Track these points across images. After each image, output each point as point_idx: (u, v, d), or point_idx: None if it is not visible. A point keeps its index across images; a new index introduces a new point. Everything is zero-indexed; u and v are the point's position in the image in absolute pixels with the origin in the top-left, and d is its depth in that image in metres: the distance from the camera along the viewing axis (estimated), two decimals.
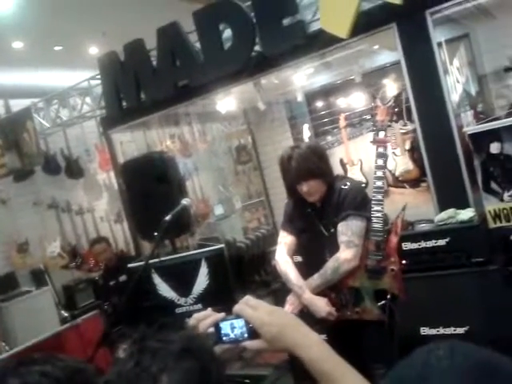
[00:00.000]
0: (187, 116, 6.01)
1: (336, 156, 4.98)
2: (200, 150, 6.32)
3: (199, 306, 3.43)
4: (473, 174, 2.71)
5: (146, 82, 4.02)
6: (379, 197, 2.31)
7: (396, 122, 4.50)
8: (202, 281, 3.43)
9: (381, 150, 2.35)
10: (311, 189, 2.30)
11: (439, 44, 2.97)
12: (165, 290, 3.48)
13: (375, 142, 2.39)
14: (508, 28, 4.17)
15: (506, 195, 2.56)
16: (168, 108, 4.33)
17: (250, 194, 6.76)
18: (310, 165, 2.27)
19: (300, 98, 5.28)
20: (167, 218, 2.30)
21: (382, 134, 2.35)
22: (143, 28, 3.87)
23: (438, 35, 3.25)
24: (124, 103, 4.28)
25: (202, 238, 5.18)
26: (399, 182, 4.56)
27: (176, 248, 3.77)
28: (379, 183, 2.32)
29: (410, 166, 4.42)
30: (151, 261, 3.44)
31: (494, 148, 2.51)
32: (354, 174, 4.61)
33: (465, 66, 3.71)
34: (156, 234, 2.59)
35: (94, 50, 5.77)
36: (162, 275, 3.50)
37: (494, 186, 2.59)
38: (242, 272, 5.18)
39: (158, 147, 5.77)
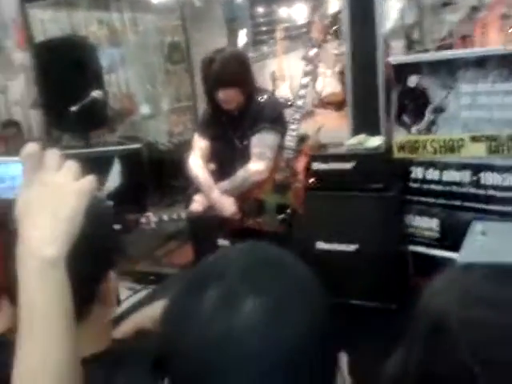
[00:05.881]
0: (118, 1, 5.54)
1: (268, 68, 4.89)
2: (130, 41, 5.91)
3: (110, 203, 3.40)
4: (389, 102, 2.78)
5: None
6: (297, 116, 2.32)
7: (333, 40, 4.44)
8: (114, 179, 3.37)
9: (308, 68, 2.31)
10: (228, 97, 2.26)
11: None
12: None
13: (305, 58, 2.35)
14: None
15: (414, 128, 2.68)
16: None
17: (179, 97, 6.53)
18: (230, 71, 2.21)
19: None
20: (74, 108, 2.19)
21: (313, 52, 2.31)
22: None
23: None
24: None
25: (121, 136, 5.01)
26: (324, 103, 4.61)
27: (90, 142, 3.64)
28: (300, 102, 2.32)
29: (338, 88, 4.45)
30: (63, 152, 3.32)
31: (412, 81, 2.57)
32: (283, 89, 4.58)
33: None
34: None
35: None
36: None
37: (405, 118, 2.69)
38: (161, 175, 5.15)
39: (83, 32, 5.31)
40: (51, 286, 0.60)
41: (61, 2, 4.49)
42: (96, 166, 3.13)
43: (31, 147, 0.63)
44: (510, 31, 3.50)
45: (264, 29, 5.04)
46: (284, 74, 4.76)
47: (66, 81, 3.02)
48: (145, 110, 6.08)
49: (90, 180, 0.66)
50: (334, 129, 4.08)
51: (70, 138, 4.24)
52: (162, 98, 6.33)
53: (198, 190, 2.58)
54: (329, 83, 4.50)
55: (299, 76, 2.37)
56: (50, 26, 5.07)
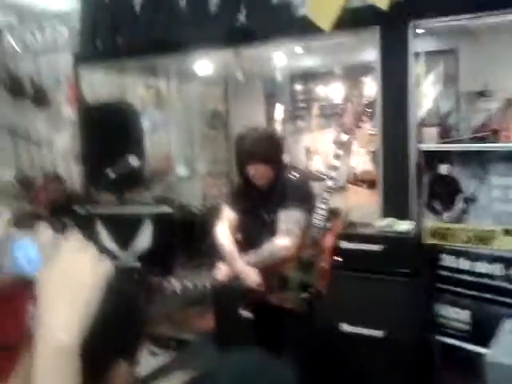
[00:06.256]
0: (166, 70, 5.88)
1: (303, 143, 5.03)
2: (174, 105, 6.21)
3: (137, 263, 3.46)
4: (420, 188, 2.78)
5: (125, 28, 3.92)
6: (326, 195, 2.37)
7: (368, 120, 4.52)
8: (144, 239, 3.45)
9: (340, 151, 2.40)
10: (258, 173, 2.34)
11: (417, 54, 3.00)
12: (106, 239, 3.49)
13: (336, 143, 2.44)
14: (492, 53, 4.22)
15: (445, 215, 2.66)
16: (143, 57, 4.26)
17: (216, 161, 6.73)
18: (261, 149, 2.31)
19: (281, 77, 5.24)
20: (111, 173, 2.30)
21: (345, 138, 2.40)
22: None
23: (422, 45, 3.28)
24: (99, 43, 4.17)
25: (155, 197, 5.14)
26: (358, 180, 4.64)
27: (125, 201, 3.75)
28: (330, 183, 2.39)
29: (370, 166, 4.50)
30: (97, 209, 3.44)
31: (444, 169, 2.59)
32: (316, 163, 4.68)
33: (440, 81, 3.76)
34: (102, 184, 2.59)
35: None
36: (105, 225, 3.50)
37: (436, 204, 2.68)
38: (191, 237, 5.20)
39: (131, 94, 5.63)
40: (62, 371, 0.63)
41: (112, 66, 4.83)
42: (128, 225, 3.26)
43: (47, 233, 0.70)
44: None
45: (301, 105, 5.22)
46: (318, 148, 4.88)
47: (107, 145, 3.19)
48: (182, 171, 6.26)
49: (107, 266, 0.71)
50: (365, 206, 4.08)
51: (106, 194, 4.39)
52: (199, 161, 6.52)
53: (223, 259, 2.60)
54: (362, 161, 4.56)
55: (332, 151, 2.44)
56: (100, 87, 5.40)
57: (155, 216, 3.32)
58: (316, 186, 2.60)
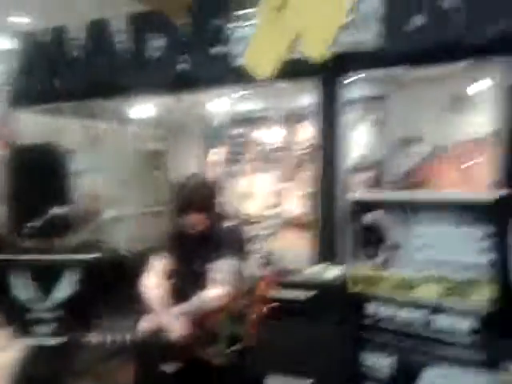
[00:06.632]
0: (104, 111, 5.81)
1: (237, 186, 5.06)
2: (109, 147, 6.11)
3: (59, 313, 3.24)
4: (348, 235, 2.83)
5: (63, 70, 3.87)
6: (260, 245, 2.37)
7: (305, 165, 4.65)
8: (66, 288, 3.25)
9: (276, 200, 2.43)
10: (193, 222, 2.33)
11: (352, 102, 3.15)
12: (21, 290, 3.24)
13: (273, 192, 2.46)
14: (420, 100, 4.49)
15: (371, 263, 2.71)
16: (80, 100, 4.19)
17: (150, 202, 6.62)
18: (196, 199, 2.30)
19: (220, 121, 5.31)
20: (32, 224, 2.20)
21: (281, 186, 2.43)
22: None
23: (356, 91, 3.43)
24: (36, 86, 4.07)
25: (82, 241, 4.93)
26: (291, 224, 4.69)
27: (48, 247, 3.56)
28: (265, 232, 2.40)
29: (304, 210, 4.57)
30: (14, 257, 3.22)
31: (369, 218, 2.66)
32: (249, 208, 4.69)
33: (373, 127, 3.93)
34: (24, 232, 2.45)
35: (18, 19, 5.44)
36: (22, 274, 3.27)
37: (361, 252, 2.73)
38: (121, 283, 4.99)
39: (66, 136, 5.48)
40: None
41: (48, 109, 4.72)
42: (49, 274, 3.04)
43: None
44: (462, 167, 3.73)
45: (238, 149, 5.30)
46: (253, 192, 4.91)
47: (33, 188, 3.06)
48: (113, 212, 6.09)
49: (21, 349, 0.68)
50: (297, 250, 4.11)
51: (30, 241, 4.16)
52: (131, 202, 6.39)
53: (149, 309, 2.49)
54: (298, 204, 4.62)
55: (266, 195, 2.46)
56: (35, 128, 5.23)
57: (80, 263, 3.16)
58: (250, 230, 2.59)
